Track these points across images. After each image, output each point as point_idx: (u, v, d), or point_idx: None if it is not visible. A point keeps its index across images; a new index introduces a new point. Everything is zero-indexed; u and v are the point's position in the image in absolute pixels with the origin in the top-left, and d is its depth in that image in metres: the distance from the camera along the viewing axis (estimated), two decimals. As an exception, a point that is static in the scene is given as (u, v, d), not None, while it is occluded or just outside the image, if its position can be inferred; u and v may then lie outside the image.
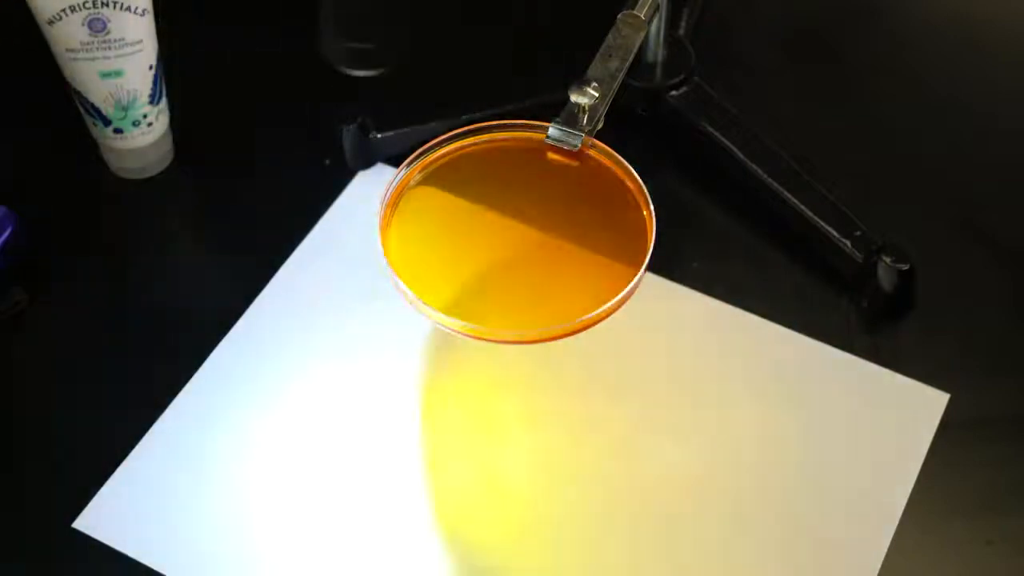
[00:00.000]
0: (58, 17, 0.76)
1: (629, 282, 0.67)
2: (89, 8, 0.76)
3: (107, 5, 0.76)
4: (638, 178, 0.70)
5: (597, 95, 0.71)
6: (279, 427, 0.73)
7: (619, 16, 0.76)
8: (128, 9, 0.76)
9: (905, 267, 0.75)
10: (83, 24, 0.76)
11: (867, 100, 0.87)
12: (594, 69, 0.73)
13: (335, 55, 0.70)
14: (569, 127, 0.71)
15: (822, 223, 0.77)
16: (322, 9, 0.68)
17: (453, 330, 0.66)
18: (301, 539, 0.70)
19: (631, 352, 0.75)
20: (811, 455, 0.72)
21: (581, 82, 0.71)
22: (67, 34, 0.76)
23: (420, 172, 0.72)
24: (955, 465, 0.71)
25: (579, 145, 0.70)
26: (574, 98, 0.71)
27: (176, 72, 0.82)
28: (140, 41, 0.78)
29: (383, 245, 0.68)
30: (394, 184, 0.70)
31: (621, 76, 0.73)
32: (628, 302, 0.67)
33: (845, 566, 0.68)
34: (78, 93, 0.79)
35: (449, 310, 0.66)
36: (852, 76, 0.89)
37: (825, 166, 0.81)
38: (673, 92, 0.83)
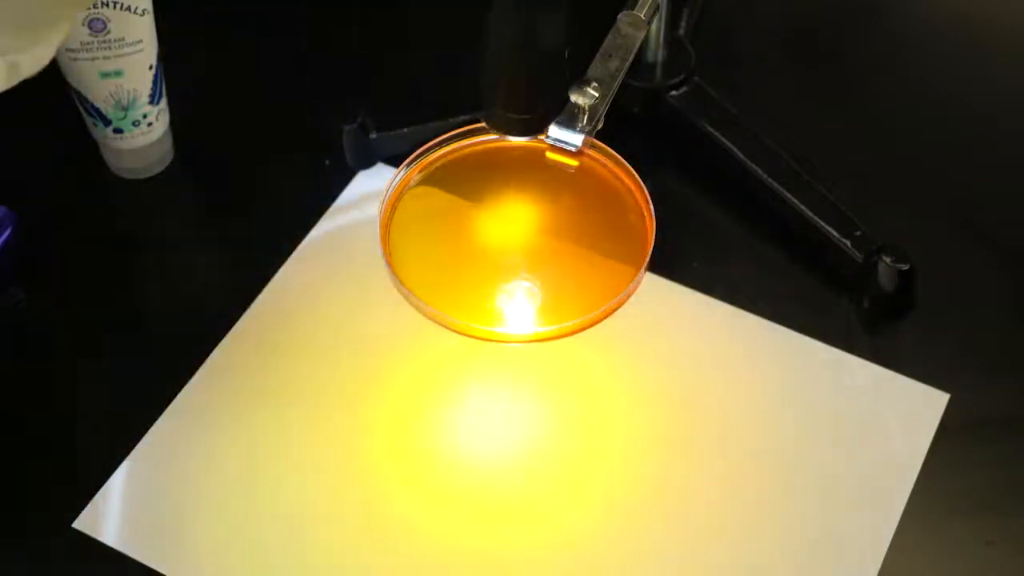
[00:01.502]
0: (58, 17, 0.76)
1: (629, 282, 0.67)
2: (89, 8, 0.75)
3: (107, 5, 0.76)
4: (638, 178, 0.70)
5: (597, 95, 0.71)
6: (279, 427, 0.73)
7: (619, 16, 0.76)
8: (128, 9, 0.76)
9: (905, 267, 0.75)
10: (83, 24, 0.76)
11: (867, 100, 0.87)
12: (594, 69, 0.73)
13: (500, 125, 0.71)
14: (569, 127, 0.71)
15: (822, 223, 0.77)
16: (483, 83, 0.68)
17: (453, 330, 0.66)
18: (301, 538, 0.70)
19: (631, 352, 0.75)
20: (811, 455, 0.72)
21: (581, 82, 0.71)
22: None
23: (420, 172, 0.72)
24: (955, 465, 0.71)
25: (579, 145, 0.70)
26: (574, 98, 0.71)
27: (176, 72, 0.82)
28: (140, 41, 0.78)
29: (383, 245, 0.68)
30: (394, 184, 0.70)
31: (621, 76, 0.73)
32: (628, 302, 0.67)
33: (845, 565, 0.68)
34: (78, 93, 0.79)
35: (449, 310, 0.66)
36: (852, 76, 0.89)
37: (825, 166, 0.81)
38: (673, 92, 0.83)
